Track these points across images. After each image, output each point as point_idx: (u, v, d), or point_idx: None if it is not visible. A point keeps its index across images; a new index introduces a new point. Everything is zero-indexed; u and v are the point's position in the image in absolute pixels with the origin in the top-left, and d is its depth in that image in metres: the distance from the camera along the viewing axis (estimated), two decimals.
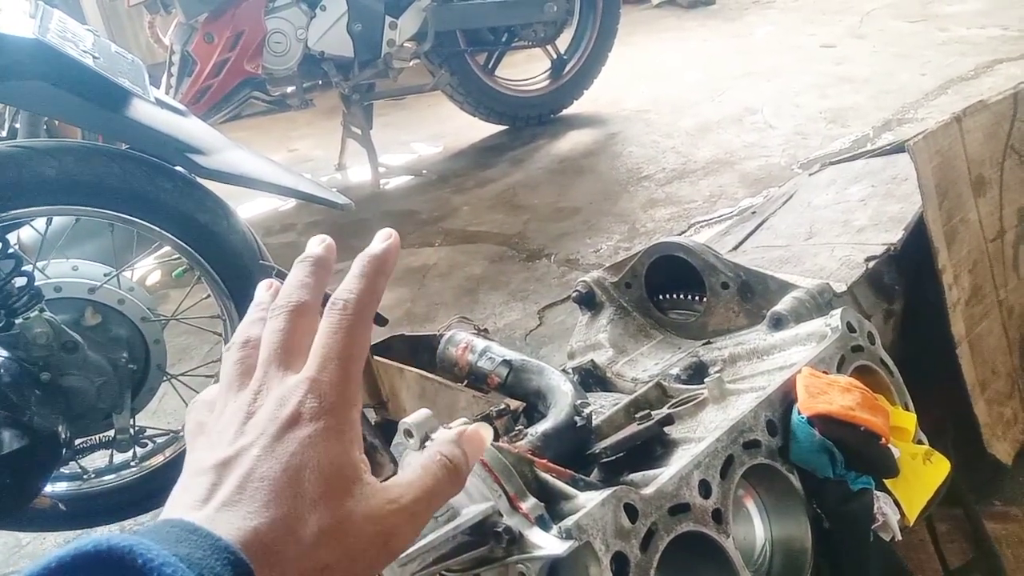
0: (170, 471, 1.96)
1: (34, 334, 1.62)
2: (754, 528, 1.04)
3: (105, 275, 1.79)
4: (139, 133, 1.59)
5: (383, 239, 0.63)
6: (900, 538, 1.08)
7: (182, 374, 1.99)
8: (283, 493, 0.49)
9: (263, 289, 0.66)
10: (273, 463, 0.50)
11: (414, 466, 0.59)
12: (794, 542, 1.02)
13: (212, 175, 1.64)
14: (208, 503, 0.49)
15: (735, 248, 1.88)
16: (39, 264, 1.75)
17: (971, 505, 1.69)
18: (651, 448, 1.05)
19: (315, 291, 0.61)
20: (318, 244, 0.64)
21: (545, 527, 0.82)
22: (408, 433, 0.88)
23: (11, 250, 1.60)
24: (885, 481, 1.09)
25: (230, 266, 1.80)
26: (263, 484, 0.49)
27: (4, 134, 3.13)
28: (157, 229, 1.73)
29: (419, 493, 0.56)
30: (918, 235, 1.65)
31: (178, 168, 1.72)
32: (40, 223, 1.78)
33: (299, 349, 0.57)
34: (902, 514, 1.10)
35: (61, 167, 1.62)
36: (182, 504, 0.49)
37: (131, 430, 1.84)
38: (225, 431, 0.54)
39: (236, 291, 1.82)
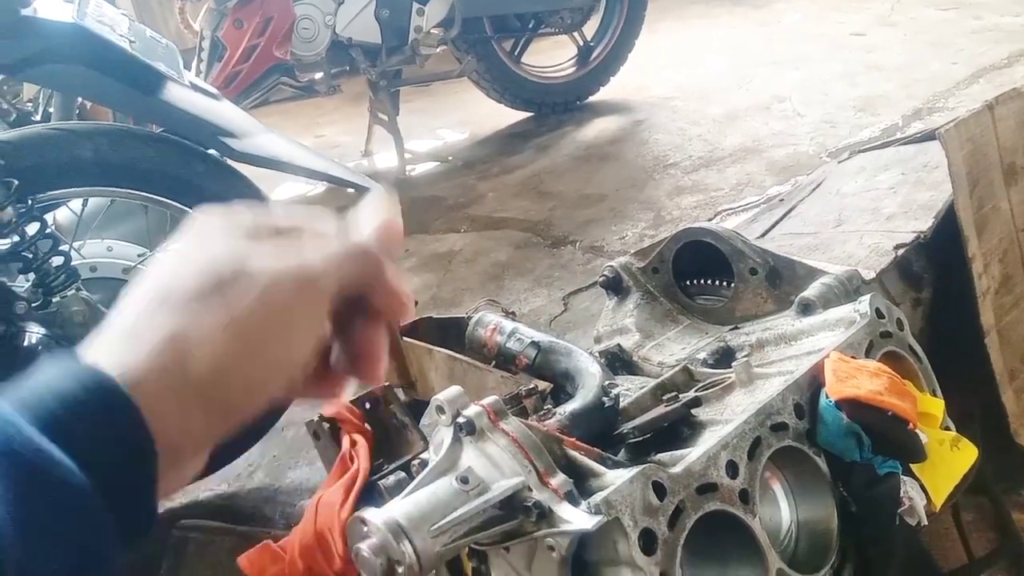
0: None
1: (71, 312, 1.66)
2: (780, 510, 1.05)
3: (139, 256, 1.82)
4: (174, 116, 1.62)
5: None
6: (926, 523, 1.09)
7: None
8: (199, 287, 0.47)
9: None
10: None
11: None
12: (820, 524, 1.03)
13: (245, 158, 1.66)
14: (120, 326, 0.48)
15: (762, 235, 1.88)
16: (75, 244, 1.78)
17: (997, 494, 1.68)
18: (678, 430, 1.06)
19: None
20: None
21: (574, 503, 0.83)
22: (440, 409, 0.90)
23: (49, 230, 1.63)
24: (912, 467, 1.10)
25: None
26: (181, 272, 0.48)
27: (38, 118, 3.18)
28: (189, 211, 1.76)
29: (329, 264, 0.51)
30: (948, 223, 1.64)
31: (211, 151, 1.75)
32: (76, 204, 1.81)
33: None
34: (928, 500, 1.11)
35: (97, 149, 1.65)
36: None
37: None
38: None
39: None
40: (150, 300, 0.48)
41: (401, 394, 1.43)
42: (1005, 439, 1.67)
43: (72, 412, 0.41)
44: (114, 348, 0.46)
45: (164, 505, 2.14)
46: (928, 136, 1.94)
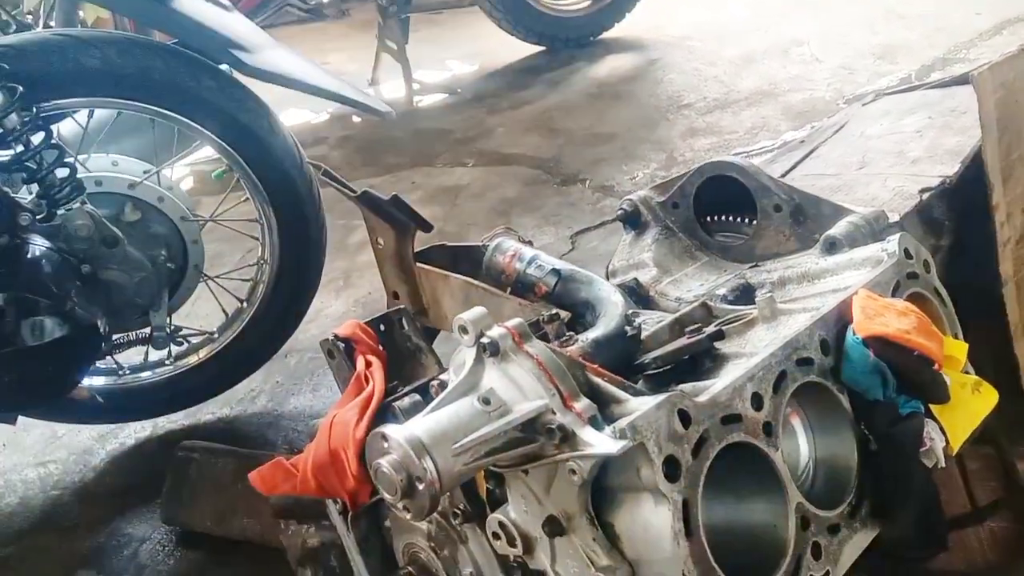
0: (205, 371, 1.99)
1: (75, 226, 1.62)
2: (798, 446, 1.04)
3: (145, 172, 1.78)
4: (185, 25, 1.56)
5: None
6: (943, 465, 1.08)
7: (219, 276, 1.99)
8: None
9: None
10: None
11: None
12: (839, 461, 1.02)
13: (257, 73, 1.61)
14: None
15: (783, 176, 1.84)
16: (80, 157, 1.74)
17: (1004, 444, 1.68)
18: (700, 362, 1.04)
19: None
20: None
21: (598, 427, 0.82)
22: (463, 330, 0.88)
23: (54, 140, 1.59)
24: (932, 408, 1.08)
25: (270, 169, 1.78)
26: None
27: (39, 29, 3.10)
28: (198, 127, 1.71)
29: None
30: (973, 170, 1.61)
31: (222, 65, 1.69)
32: (82, 116, 1.76)
33: None
34: (947, 441, 1.09)
35: (105, 58, 1.60)
36: None
37: (167, 328, 1.85)
38: None
39: (275, 195, 1.81)
40: None
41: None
42: (1014, 390, 1.66)
43: None
44: None
45: (165, 427, 2.14)
46: (958, 80, 1.89)
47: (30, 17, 3.28)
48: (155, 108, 1.67)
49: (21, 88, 1.52)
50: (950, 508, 1.64)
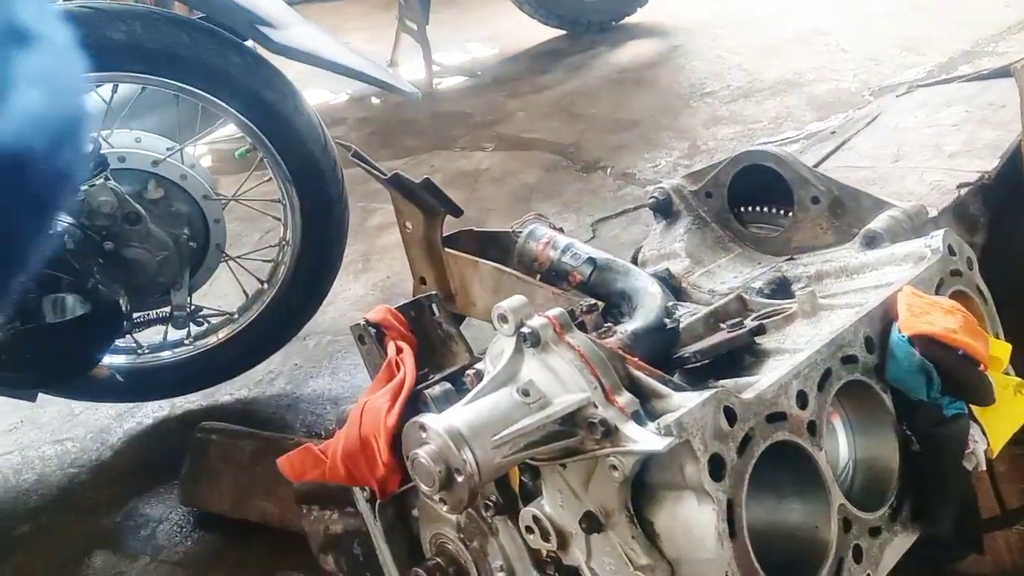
0: (224, 352, 1.97)
1: (99, 202, 1.61)
2: (838, 445, 1.01)
3: (168, 149, 1.76)
4: (213, 1, 1.53)
5: None
6: (984, 468, 1.05)
7: (241, 256, 1.98)
8: None
9: None
10: None
11: None
12: (879, 462, 0.99)
13: (283, 50, 1.58)
14: None
15: (815, 167, 1.81)
16: (103, 133, 1.72)
17: None
18: (739, 357, 1.02)
19: None
20: None
21: (640, 423, 0.80)
22: (503, 319, 0.85)
23: None
24: (973, 409, 1.06)
25: (294, 149, 1.76)
26: None
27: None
28: (223, 104, 1.69)
29: None
30: (1012, 166, 1.57)
31: (248, 43, 1.67)
32: (105, 91, 1.74)
33: None
34: (988, 444, 1.07)
35: (130, 32, 1.58)
36: None
37: (188, 308, 1.84)
38: None
39: (299, 175, 1.78)
40: None
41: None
42: None
43: None
44: None
45: (183, 407, 2.13)
46: (998, 72, 1.85)
47: None
48: (180, 84, 1.65)
49: None
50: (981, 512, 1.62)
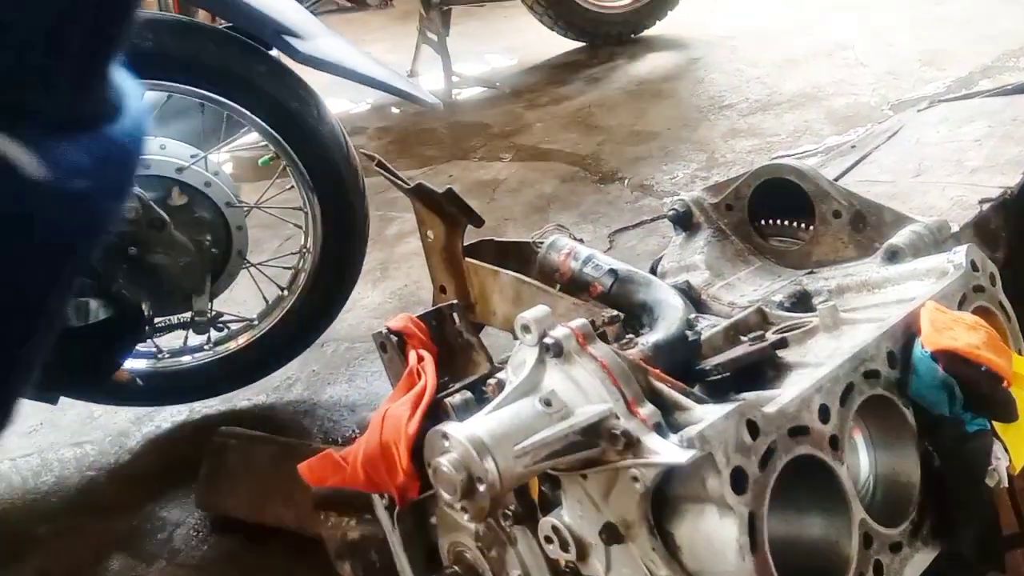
0: (243, 358, 1.99)
1: (124, 207, 1.62)
2: (859, 460, 1.01)
3: (192, 156, 1.78)
4: (239, 9, 1.55)
5: None
6: (1006, 484, 1.05)
7: (262, 263, 1.99)
8: None
9: None
10: None
11: None
12: (900, 478, 0.99)
13: (308, 60, 1.60)
14: None
15: (835, 180, 1.81)
16: None
17: None
18: (761, 370, 1.02)
19: None
20: None
21: (663, 435, 0.80)
22: (526, 329, 0.86)
23: None
24: (996, 425, 1.05)
25: (317, 158, 1.77)
26: None
27: None
28: (248, 113, 1.71)
29: None
30: None
31: (273, 52, 1.69)
32: None
33: None
34: (1010, 460, 1.06)
35: (158, 40, 1.60)
36: None
37: (209, 313, 1.85)
38: None
39: (321, 184, 1.80)
40: None
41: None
42: None
43: None
44: None
45: (201, 412, 2.15)
46: (1021, 88, 1.85)
47: None
48: (205, 92, 1.67)
49: None
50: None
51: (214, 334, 1.97)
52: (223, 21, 1.73)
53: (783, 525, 0.92)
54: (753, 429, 0.81)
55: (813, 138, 3.22)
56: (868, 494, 1.00)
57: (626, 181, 3.15)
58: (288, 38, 1.59)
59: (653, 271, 1.48)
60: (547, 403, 0.82)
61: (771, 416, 0.83)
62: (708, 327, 1.18)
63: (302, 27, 1.62)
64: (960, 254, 1.14)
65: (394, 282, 2.63)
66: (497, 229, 2.96)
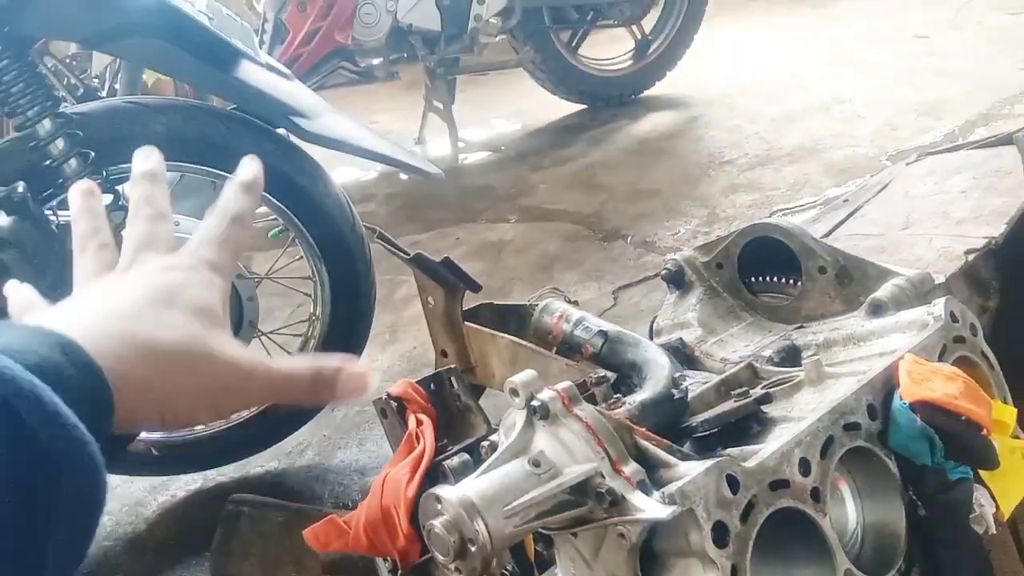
0: (255, 424, 2.03)
1: None
2: (846, 511, 1.03)
3: None
4: (248, 94, 1.64)
5: (250, 162, 0.69)
6: (994, 531, 1.07)
7: (273, 331, 2.05)
8: (149, 303, 0.52)
9: (81, 195, 0.66)
10: (144, 283, 0.55)
11: (290, 358, 0.66)
12: (887, 527, 1.02)
13: (315, 139, 1.68)
14: (52, 313, 0.53)
15: (826, 235, 1.85)
16: None
17: None
18: (747, 425, 1.05)
19: (164, 201, 0.66)
20: (148, 160, 0.68)
21: (646, 492, 0.83)
22: (514, 392, 0.90)
23: (121, 202, 1.67)
24: (982, 474, 1.08)
25: (324, 229, 1.84)
26: (130, 295, 0.53)
27: (104, 93, 3.25)
28: None
29: (282, 368, 0.58)
30: (1020, 231, 1.61)
31: (280, 130, 1.77)
32: None
33: (165, 246, 0.61)
34: (997, 508, 1.08)
35: (170, 124, 1.69)
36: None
37: None
38: (80, 294, 0.58)
39: (328, 253, 1.87)
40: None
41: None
42: None
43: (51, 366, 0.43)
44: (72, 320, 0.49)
45: (215, 480, 2.18)
46: (1003, 140, 1.90)
47: (96, 80, 3.45)
48: (217, 171, 1.75)
49: (92, 153, 1.60)
50: (1004, 574, 1.61)
51: None
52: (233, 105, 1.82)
53: None
54: (733, 484, 0.84)
55: (812, 191, 3.29)
56: (856, 544, 1.03)
57: (629, 238, 3.21)
58: (295, 118, 1.67)
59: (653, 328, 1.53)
60: (536, 464, 0.86)
61: (751, 470, 0.86)
62: (700, 383, 1.22)
63: (308, 107, 1.71)
64: (939, 306, 1.18)
65: (403, 345, 2.68)
66: (504, 288, 3.02)
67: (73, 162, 1.60)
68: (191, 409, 0.54)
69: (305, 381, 0.59)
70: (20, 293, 0.62)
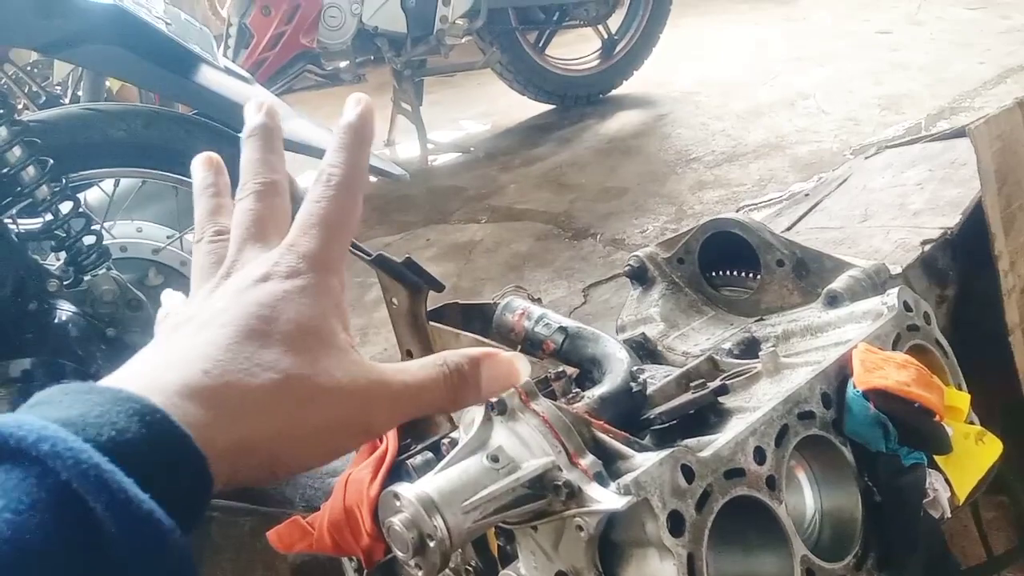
0: None
1: (101, 291, 1.68)
2: (804, 498, 1.05)
3: (168, 237, 1.85)
4: (207, 98, 1.63)
5: (355, 104, 0.57)
6: (949, 516, 1.09)
7: None
8: (239, 341, 0.43)
9: (204, 168, 0.59)
10: (235, 312, 0.45)
11: (416, 361, 0.54)
12: (844, 513, 1.03)
13: None
14: (141, 362, 0.45)
15: (788, 229, 1.88)
16: (106, 224, 1.81)
17: (1018, 493, 1.68)
18: (705, 417, 1.06)
19: (280, 166, 0.56)
20: (260, 113, 0.58)
21: (603, 483, 0.84)
22: None
23: (81, 209, 1.66)
24: (937, 459, 1.10)
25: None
26: (219, 332, 0.44)
27: (67, 100, 3.21)
28: None
29: (407, 381, 0.50)
30: (975, 221, 1.64)
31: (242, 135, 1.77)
32: (108, 185, 1.83)
33: (276, 227, 0.52)
34: (952, 493, 1.11)
35: (131, 130, 1.68)
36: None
37: None
38: (191, 304, 0.49)
39: None
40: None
41: None
42: None
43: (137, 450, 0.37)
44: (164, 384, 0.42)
45: None
46: (957, 133, 1.93)
47: (59, 88, 3.41)
48: (178, 176, 1.74)
49: (51, 160, 1.59)
50: (967, 559, 1.64)
51: None
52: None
53: (737, 565, 0.97)
54: (688, 473, 0.85)
55: (778, 186, 3.33)
56: (815, 531, 1.05)
57: (598, 236, 3.23)
58: None
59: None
60: (494, 459, 0.87)
61: (706, 460, 0.88)
62: (662, 376, 1.23)
63: None
64: (892, 296, 1.20)
65: (374, 347, 2.68)
66: (474, 289, 3.03)
67: (31, 170, 1.59)
68: (306, 456, 0.46)
69: (441, 387, 0.51)
70: (171, 300, 0.55)
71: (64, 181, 1.62)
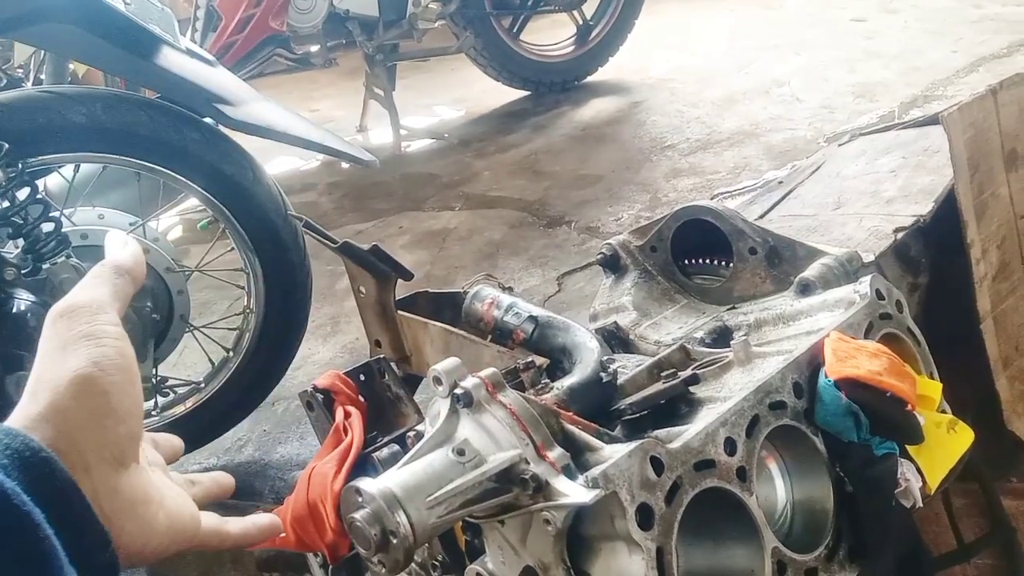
0: (191, 421, 1.99)
1: (61, 280, 1.63)
2: (776, 489, 1.04)
3: (130, 224, 1.80)
4: (169, 81, 1.59)
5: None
6: (921, 505, 1.08)
7: (204, 326, 2.00)
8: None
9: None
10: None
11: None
12: (816, 503, 1.02)
13: (240, 126, 1.64)
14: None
15: (761, 216, 1.87)
16: (66, 211, 1.76)
17: (988, 481, 1.68)
18: (676, 407, 1.05)
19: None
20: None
21: (571, 476, 0.82)
22: (437, 380, 0.89)
23: (39, 195, 1.61)
24: (908, 448, 1.09)
25: (255, 219, 1.80)
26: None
27: (30, 84, 3.13)
28: (183, 179, 1.73)
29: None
30: (947, 209, 1.64)
31: (206, 119, 1.72)
32: (68, 170, 1.78)
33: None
34: (924, 481, 1.10)
35: (90, 114, 1.63)
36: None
37: (153, 379, 1.85)
38: None
39: (260, 244, 1.82)
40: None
41: (395, 368, 1.42)
42: (997, 426, 1.67)
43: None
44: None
45: None
46: (930, 120, 1.93)
47: (20, 71, 3.32)
48: (140, 162, 1.70)
49: (7, 145, 1.54)
50: (938, 546, 1.65)
51: (160, 399, 1.97)
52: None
53: (704, 557, 0.95)
54: (657, 465, 0.84)
55: (752, 173, 3.32)
56: (787, 522, 1.04)
57: (573, 224, 3.21)
58: (219, 106, 1.62)
59: None
60: (460, 452, 0.85)
61: (675, 451, 0.86)
62: (633, 366, 1.21)
63: (232, 94, 1.66)
64: (864, 284, 1.19)
65: (345, 336, 2.65)
66: (448, 277, 3.00)
67: None
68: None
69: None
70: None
71: (21, 166, 1.57)
